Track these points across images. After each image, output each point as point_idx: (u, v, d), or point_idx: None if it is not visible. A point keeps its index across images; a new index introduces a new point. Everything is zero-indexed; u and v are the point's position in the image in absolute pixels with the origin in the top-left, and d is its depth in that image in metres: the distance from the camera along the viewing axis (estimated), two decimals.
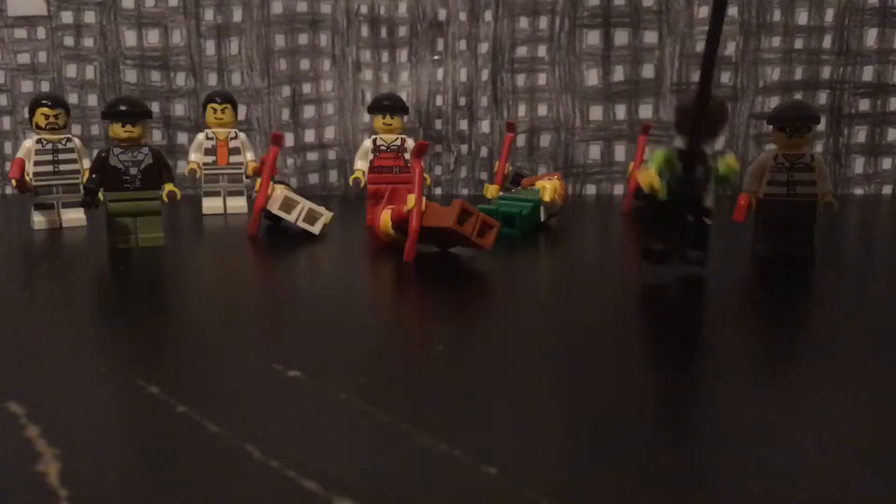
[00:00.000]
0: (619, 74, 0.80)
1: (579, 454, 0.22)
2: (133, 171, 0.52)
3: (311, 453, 0.21)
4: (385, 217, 0.49)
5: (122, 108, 0.52)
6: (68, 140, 0.60)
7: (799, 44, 0.78)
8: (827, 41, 0.77)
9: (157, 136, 0.83)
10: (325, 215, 0.56)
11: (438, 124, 0.82)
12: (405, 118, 0.62)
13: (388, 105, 0.61)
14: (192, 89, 0.83)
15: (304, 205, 0.56)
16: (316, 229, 0.56)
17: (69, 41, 0.83)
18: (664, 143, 0.80)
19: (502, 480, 0.20)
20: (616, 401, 0.25)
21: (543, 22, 0.80)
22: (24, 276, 0.48)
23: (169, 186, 0.54)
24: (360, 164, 0.61)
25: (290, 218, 0.56)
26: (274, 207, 0.57)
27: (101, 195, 0.52)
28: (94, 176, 0.52)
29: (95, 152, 0.54)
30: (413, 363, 0.30)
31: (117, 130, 0.51)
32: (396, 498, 0.19)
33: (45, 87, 0.84)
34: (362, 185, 0.61)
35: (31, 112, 0.60)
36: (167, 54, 0.83)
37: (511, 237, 0.54)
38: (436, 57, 0.81)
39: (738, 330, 0.35)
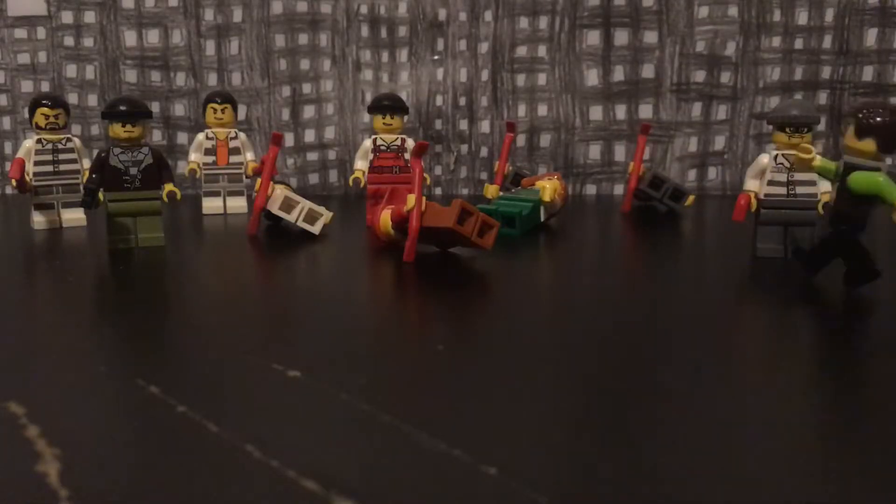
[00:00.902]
0: (619, 74, 0.80)
1: (579, 454, 0.22)
2: (133, 171, 0.52)
3: (311, 453, 0.21)
4: (385, 217, 0.49)
5: (122, 108, 0.52)
6: (68, 140, 0.60)
7: (799, 44, 0.78)
8: (827, 41, 0.77)
9: (157, 136, 0.83)
10: (325, 215, 0.56)
11: (438, 124, 0.82)
12: (405, 118, 0.62)
13: (388, 105, 0.61)
14: (192, 89, 0.83)
15: (304, 205, 0.56)
16: (316, 229, 0.56)
17: (69, 41, 0.83)
18: (664, 143, 0.80)
19: (502, 480, 0.20)
20: (617, 401, 0.25)
21: (543, 22, 0.80)
22: (24, 276, 0.48)
23: (169, 186, 0.53)
24: (360, 164, 0.61)
25: (290, 218, 0.56)
26: (274, 207, 0.57)
27: (101, 195, 0.52)
28: (94, 176, 0.51)
29: (95, 152, 0.54)
30: (413, 363, 0.30)
31: (117, 130, 0.51)
32: (396, 498, 0.19)
33: (45, 87, 0.84)
34: (362, 185, 0.61)
35: (31, 112, 0.60)
36: (167, 54, 0.83)
37: (511, 237, 0.54)
38: (436, 57, 0.81)
39: (739, 331, 0.35)
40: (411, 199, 0.45)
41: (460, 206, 0.45)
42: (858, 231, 0.39)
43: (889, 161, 0.39)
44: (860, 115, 0.38)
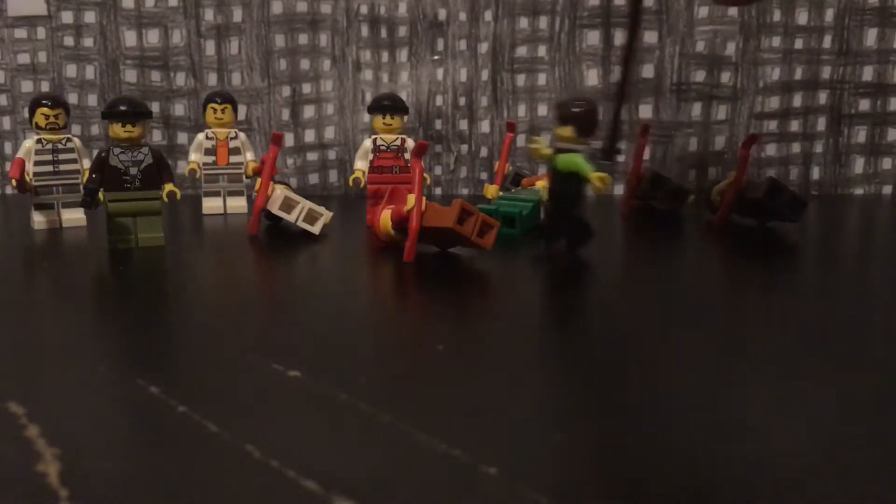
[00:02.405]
0: (619, 74, 0.80)
1: (579, 454, 0.22)
2: (133, 171, 0.52)
3: (311, 453, 0.21)
4: (385, 217, 0.49)
5: (123, 108, 0.52)
6: (68, 140, 0.60)
7: (799, 44, 0.78)
8: (827, 41, 0.77)
9: (157, 136, 0.83)
10: (325, 215, 0.56)
11: (438, 124, 0.82)
12: (405, 118, 0.62)
13: (388, 105, 0.61)
14: (192, 89, 0.83)
15: (304, 205, 0.56)
16: (316, 229, 0.56)
17: (69, 41, 0.83)
18: (664, 142, 0.80)
19: (502, 480, 0.20)
20: (617, 400, 0.25)
21: (543, 22, 0.80)
22: (24, 276, 0.48)
23: (169, 186, 0.53)
24: (360, 164, 0.61)
25: (291, 218, 0.56)
26: (274, 207, 0.57)
27: (101, 195, 0.52)
28: (94, 176, 0.52)
29: (95, 152, 0.54)
30: (413, 363, 0.30)
31: (117, 130, 0.51)
32: (396, 498, 0.19)
33: (45, 87, 0.84)
34: (362, 185, 0.61)
35: (31, 112, 0.60)
36: (167, 54, 0.83)
37: (511, 237, 0.54)
38: (436, 57, 0.81)
39: (741, 331, 0.35)
40: (411, 199, 0.45)
41: (460, 206, 0.45)
42: (571, 207, 0.47)
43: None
44: (559, 107, 0.49)
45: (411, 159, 0.48)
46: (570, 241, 0.48)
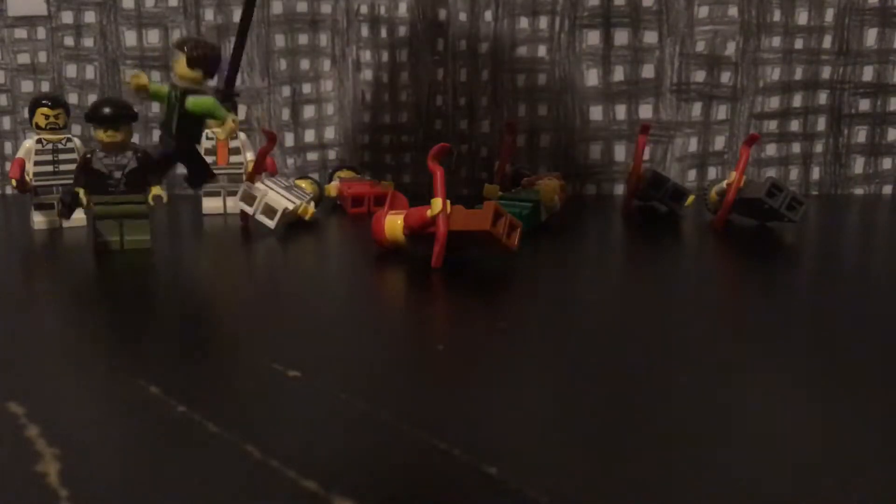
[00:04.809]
0: (619, 74, 0.80)
1: (580, 454, 0.22)
2: (117, 174, 0.51)
3: (311, 453, 0.21)
4: (392, 223, 0.48)
5: (105, 111, 0.50)
6: (68, 140, 0.60)
7: (799, 44, 0.78)
8: (827, 41, 0.77)
9: (156, 137, 0.83)
10: (281, 210, 0.55)
11: (438, 124, 0.82)
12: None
13: None
14: None
15: (262, 198, 0.56)
16: (272, 224, 0.55)
17: (69, 41, 0.83)
18: (664, 143, 0.80)
19: (502, 480, 0.20)
20: (617, 400, 0.25)
21: (543, 22, 0.80)
22: (24, 276, 0.48)
23: (155, 190, 0.52)
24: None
25: (250, 210, 0.56)
26: (237, 199, 0.57)
27: (82, 198, 0.51)
28: (76, 177, 0.51)
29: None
30: (413, 363, 0.30)
31: (100, 135, 0.50)
32: (396, 498, 0.19)
33: (45, 87, 0.84)
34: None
35: (31, 112, 0.60)
36: (167, 54, 0.83)
37: None
38: (436, 57, 0.81)
39: (743, 331, 0.35)
40: (437, 203, 0.44)
41: (494, 209, 0.43)
42: (194, 145, 0.52)
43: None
44: (189, 50, 0.49)
45: (430, 163, 0.45)
46: (193, 176, 0.53)
